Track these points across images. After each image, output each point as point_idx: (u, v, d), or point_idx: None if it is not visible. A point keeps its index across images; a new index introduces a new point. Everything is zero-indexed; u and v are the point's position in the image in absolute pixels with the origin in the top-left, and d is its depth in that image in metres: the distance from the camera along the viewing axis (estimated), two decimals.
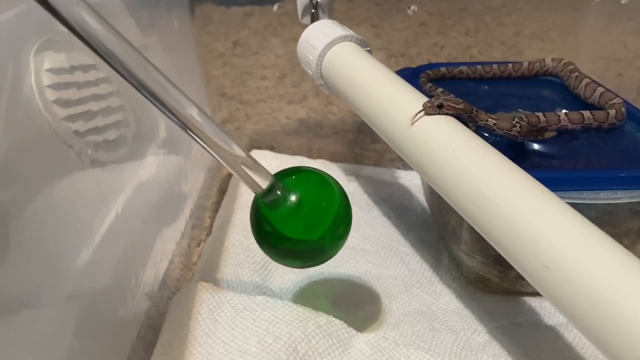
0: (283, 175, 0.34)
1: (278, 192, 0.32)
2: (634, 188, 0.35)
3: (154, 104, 0.26)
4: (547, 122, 0.38)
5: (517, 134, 0.36)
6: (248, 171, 0.30)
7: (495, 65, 0.50)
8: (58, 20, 0.22)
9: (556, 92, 0.48)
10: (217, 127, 0.28)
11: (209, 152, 0.29)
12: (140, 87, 0.25)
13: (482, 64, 0.50)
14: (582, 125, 0.40)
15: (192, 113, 0.27)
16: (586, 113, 0.40)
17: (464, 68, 0.50)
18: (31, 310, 0.24)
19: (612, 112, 0.40)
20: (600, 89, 0.43)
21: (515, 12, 0.66)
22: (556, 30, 0.65)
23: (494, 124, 0.36)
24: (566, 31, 0.65)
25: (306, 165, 0.55)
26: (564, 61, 0.48)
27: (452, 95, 0.44)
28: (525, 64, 0.49)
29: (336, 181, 0.35)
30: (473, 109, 0.34)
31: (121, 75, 0.24)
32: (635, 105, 0.43)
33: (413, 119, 0.33)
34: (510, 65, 0.50)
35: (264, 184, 0.31)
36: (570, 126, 0.39)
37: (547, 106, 0.45)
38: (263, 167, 0.31)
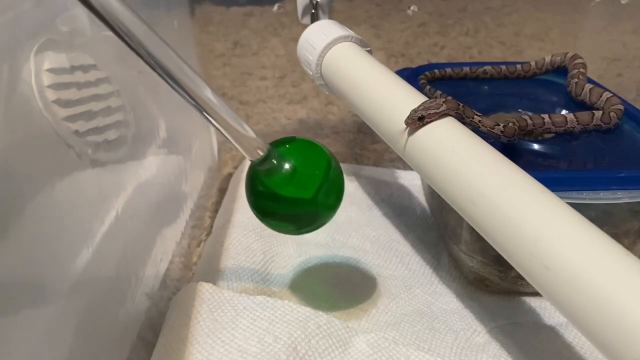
0: (277, 144, 0.35)
1: (274, 161, 0.33)
2: (634, 188, 0.35)
3: (168, 83, 0.27)
4: (533, 125, 0.38)
5: (499, 133, 0.36)
6: (244, 139, 0.31)
7: (519, 66, 0.50)
8: (82, 2, 0.22)
9: (557, 92, 0.48)
10: (228, 107, 0.30)
11: (218, 128, 0.30)
12: (159, 67, 0.26)
13: (507, 64, 0.50)
14: (564, 128, 0.39)
15: (207, 93, 0.29)
16: (569, 116, 0.39)
17: (488, 68, 0.50)
18: (31, 310, 0.24)
19: (598, 114, 0.40)
20: (606, 94, 0.42)
21: (515, 13, 0.66)
22: (556, 30, 0.65)
23: (479, 121, 0.36)
24: (566, 31, 0.65)
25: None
26: (575, 62, 0.48)
27: (442, 96, 0.44)
28: (548, 59, 0.49)
29: (327, 149, 0.36)
30: (459, 106, 0.34)
31: (140, 56, 0.25)
32: (635, 105, 0.43)
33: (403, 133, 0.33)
34: (533, 63, 0.50)
35: (260, 151, 0.32)
36: (553, 129, 0.39)
37: (547, 106, 0.45)
38: (258, 137, 0.32)
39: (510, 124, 0.37)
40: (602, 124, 0.40)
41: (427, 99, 0.35)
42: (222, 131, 0.31)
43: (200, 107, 0.29)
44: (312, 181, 0.34)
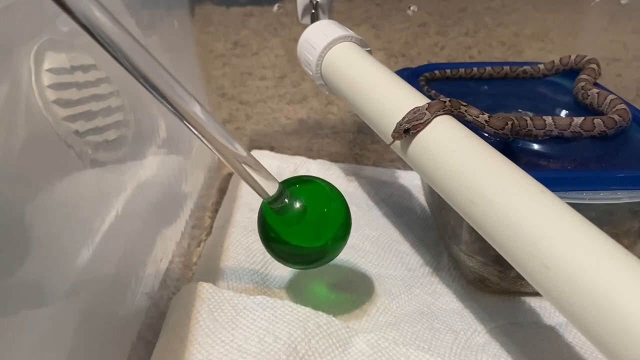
0: (288, 183, 0.35)
1: (286, 200, 0.34)
2: (634, 188, 0.35)
3: (158, 99, 0.26)
4: (519, 126, 0.38)
5: (484, 122, 0.36)
6: (256, 178, 0.31)
7: (541, 65, 0.50)
8: (66, 13, 0.22)
9: (557, 92, 0.48)
10: (220, 127, 0.29)
11: (213, 151, 0.29)
12: (146, 82, 0.25)
13: (534, 64, 0.51)
14: (544, 131, 0.39)
15: (195, 110, 0.28)
16: (548, 119, 0.39)
17: (527, 68, 0.50)
18: (31, 310, 0.24)
19: (578, 120, 0.39)
20: (621, 106, 0.41)
21: (515, 13, 0.66)
22: (556, 30, 0.65)
23: (466, 110, 0.36)
24: (566, 31, 0.65)
25: (306, 165, 0.55)
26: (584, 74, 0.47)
27: (437, 95, 0.44)
28: (565, 58, 0.49)
29: (337, 190, 0.37)
30: (445, 104, 0.34)
31: (127, 70, 0.24)
32: (635, 105, 0.43)
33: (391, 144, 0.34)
34: (557, 61, 0.50)
35: (271, 190, 0.32)
36: (534, 131, 0.39)
37: (547, 106, 0.45)
38: (270, 174, 0.32)
39: (497, 116, 0.37)
40: (581, 131, 0.39)
41: (427, 98, 0.35)
42: (228, 164, 0.30)
43: (190, 124, 0.28)
44: (324, 230, 0.35)
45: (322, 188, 0.37)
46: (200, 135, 0.28)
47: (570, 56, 0.49)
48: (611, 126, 0.39)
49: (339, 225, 0.36)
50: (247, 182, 0.32)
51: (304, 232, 0.35)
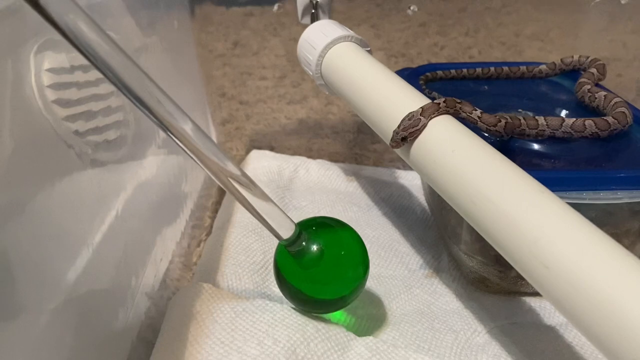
0: (305, 225, 0.35)
1: (303, 243, 0.33)
2: (634, 188, 0.35)
3: (148, 116, 0.26)
4: (513, 125, 0.38)
5: (477, 119, 0.36)
6: (271, 221, 0.31)
7: (557, 61, 0.50)
8: (52, 26, 0.21)
9: (557, 92, 0.48)
10: (213, 144, 0.28)
11: (204, 169, 0.29)
12: (134, 99, 0.25)
13: (544, 64, 0.50)
14: (536, 131, 0.39)
15: (186, 127, 0.27)
16: (540, 119, 0.39)
17: (543, 67, 0.50)
18: (31, 310, 0.24)
19: (569, 121, 0.39)
20: (623, 109, 0.40)
21: (515, 13, 0.66)
22: (556, 30, 0.65)
23: (460, 108, 0.36)
24: (566, 31, 0.65)
25: (306, 165, 0.55)
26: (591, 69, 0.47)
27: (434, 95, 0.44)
28: (582, 58, 0.49)
29: (354, 232, 0.37)
30: (440, 106, 0.34)
31: (116, 87, 0.24)
32: (635, 105, 0.43)
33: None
34: (576, 57, 0.50)
35: (287, 233, 0.32)
36: (527, 130, 0.39)
37: (548, 106, 0.45)
38: (287, 216, 0.32)
39: (487, 114, 0.37)
40: (572, 131, 0.39)
41: (427, 98, 0.35)
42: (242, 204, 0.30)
43: (182, 144, 0.27)
44: (342, 278, 0.35)
45: (337, 232, 0.36)
46: (191, 154, 0.28)
47: (588, 57, 0.49)
48: (604, 128, 0.39)
49: (358, 276, 0.36)
50: (262, 223, 0.31)
51: (321, 277, 0.34)
